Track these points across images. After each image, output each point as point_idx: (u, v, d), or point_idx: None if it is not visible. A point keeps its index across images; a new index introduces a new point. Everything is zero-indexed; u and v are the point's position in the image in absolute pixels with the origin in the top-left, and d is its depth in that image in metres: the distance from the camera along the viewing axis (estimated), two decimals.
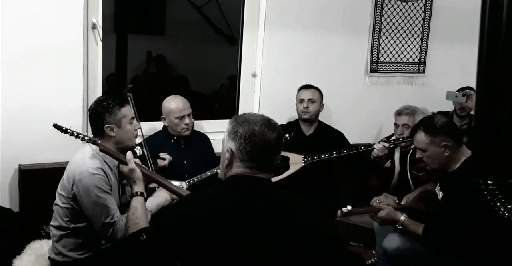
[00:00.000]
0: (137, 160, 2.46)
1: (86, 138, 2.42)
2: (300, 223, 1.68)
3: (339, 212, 2.96)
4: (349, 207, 2.93)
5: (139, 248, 1.80)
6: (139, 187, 2.27)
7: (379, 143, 3.57)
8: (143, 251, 1.76)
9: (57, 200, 2.53)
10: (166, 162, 3.30)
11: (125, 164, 2.35)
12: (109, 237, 2.40)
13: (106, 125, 2.48)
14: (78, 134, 2.42)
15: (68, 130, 2.42)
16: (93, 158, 2.45)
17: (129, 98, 2.77)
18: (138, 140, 2.84)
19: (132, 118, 2.58)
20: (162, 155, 3.31)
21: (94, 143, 2.42)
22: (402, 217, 2.79)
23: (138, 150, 2.89)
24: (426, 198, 2.96)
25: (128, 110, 2.56)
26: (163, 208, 2.55)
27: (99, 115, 2.49)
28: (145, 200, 2.27)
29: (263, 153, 1.74)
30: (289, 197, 1.79)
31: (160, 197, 2.59)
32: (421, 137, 2.76)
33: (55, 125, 2.43)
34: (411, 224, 2.76)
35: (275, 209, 1.70)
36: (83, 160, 2.44)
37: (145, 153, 2.86)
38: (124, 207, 2.49)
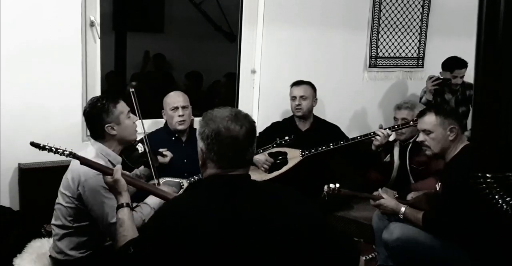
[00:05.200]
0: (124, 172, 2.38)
1: (65, 152, 2.25)
2: (289, 216, 1.65)
3: (325, 187, 2.95)
4: (337, 185, 2.95)
5: (129, 261, 1.75)
6: (124, 198, 2.17)
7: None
8: (134, 263, 1.72)
9: (60, 199, 2.52)
10: (167, 159, 3.24)
11: (108, 174, 2.22)
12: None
13: (106, 125, 2.46)
14: (56, 149, 2.25)
15: (46, 147, 2.25)
16: (97, 158, 2.41)
17: (132, 94, 2.73)
18: (139, 136, 2.84)
19: (129, 112, 2.57)
20: (163, 151, 3.27)
21: (75, 156, 2.26)
22: (403, 207, 2.85)
23: (139, 146, 2.89)
24: (431, 198, 2.96)
25: (123, 106, 2.54)
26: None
27: (96, 117, 2.47)
28: (131, 209, 2.20)
29: (232, 151, 1.69)
30: (271, 191, 1.76)
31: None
32: (430, 118, 2.80)
33: (32, 143, 2.26)
34: (412, 212, 2.82)
35: (258, 206, 1.66)
36: None
37: (147, 150, 2.84)
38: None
